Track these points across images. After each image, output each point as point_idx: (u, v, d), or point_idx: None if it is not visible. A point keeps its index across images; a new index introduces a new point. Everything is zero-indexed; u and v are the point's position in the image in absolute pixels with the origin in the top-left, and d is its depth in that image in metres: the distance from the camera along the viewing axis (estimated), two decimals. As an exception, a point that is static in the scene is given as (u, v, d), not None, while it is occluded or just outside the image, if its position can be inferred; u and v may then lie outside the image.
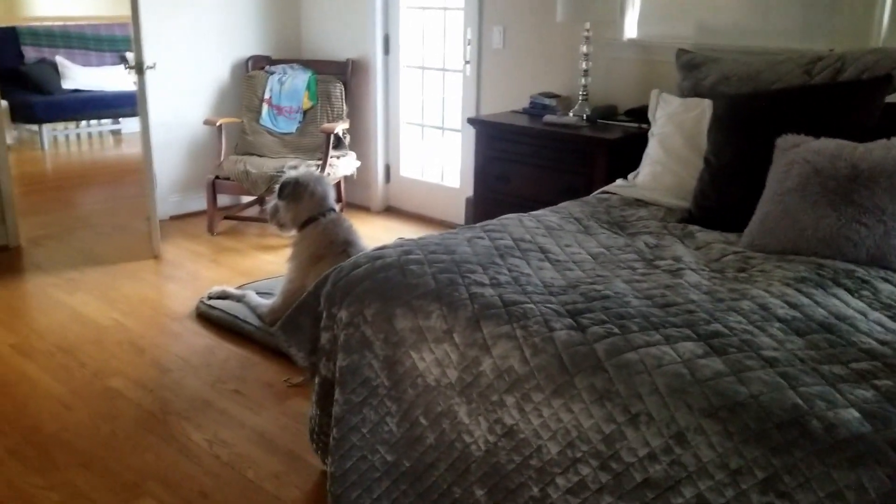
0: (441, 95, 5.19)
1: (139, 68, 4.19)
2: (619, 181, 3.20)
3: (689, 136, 3.03)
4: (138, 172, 6.62)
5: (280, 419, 2.77)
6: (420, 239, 2.39)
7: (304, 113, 5.22)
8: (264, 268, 4.33)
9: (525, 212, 3.90)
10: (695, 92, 3.24)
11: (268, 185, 4.67)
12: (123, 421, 2.74)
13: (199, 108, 5.25)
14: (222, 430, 2.69)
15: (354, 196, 5.54)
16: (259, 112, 5.24)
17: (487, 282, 2.05)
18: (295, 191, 3.42)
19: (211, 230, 4.91)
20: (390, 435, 2.05)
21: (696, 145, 2.98)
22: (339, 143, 5.06)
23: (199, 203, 5.32)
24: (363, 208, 5.52)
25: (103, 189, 6.25)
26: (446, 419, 1.92)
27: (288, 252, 3.53)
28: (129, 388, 2.97)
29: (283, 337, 2.41)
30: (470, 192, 4.83)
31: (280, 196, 3.43)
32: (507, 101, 4.52)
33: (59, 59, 7.91)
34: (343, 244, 3.37)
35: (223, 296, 3.74)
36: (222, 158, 4.93)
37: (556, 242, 2.44)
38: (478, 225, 2.61)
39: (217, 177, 4.84)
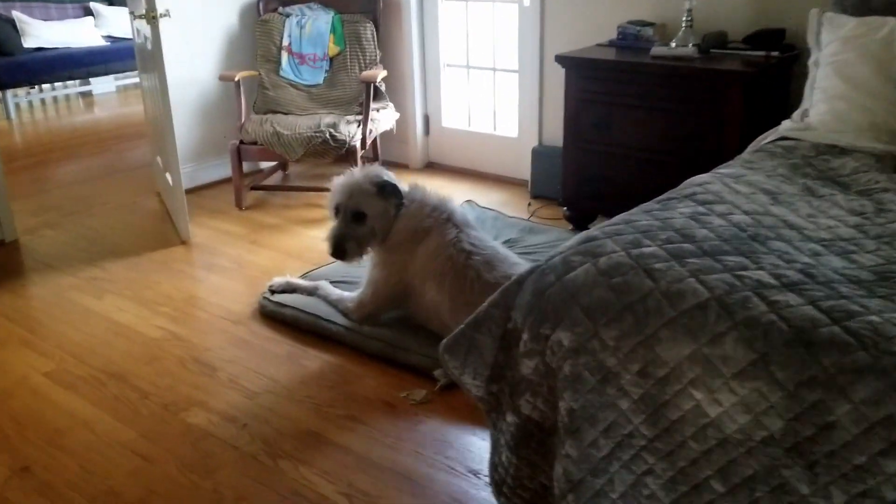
0: (490, 31, 4.51)
1: (150, 17, 3.45)
2: (786, 123, 2.63)
3: (880, 62, 2.46)
4: (130, 140, 5.86)
5: (425, 454, 2.19)
6: (625, 221, 1.80)
7: (331, 60, 4.51)
8: (317, 247, 3.69)
9: (636, 165, 3.39)
10: (867, 8, 2.65)
11: (305, 147, 4.00)
12: (224, 473, 2.14)
13: (207, 61, 4.50)
14: (356, 476, 2.11)
15: (390, 153, 4.87)
16: (278, 62, 4.51)
17: (775, 282, 1.48)
18: (394, 187, 2.79)
19: (239, 204, 4.23)
20: (653, 502, 1.49)
21: (891, 74, 2.42)
22: (377, 93, 4.37)
23: (215, 172, 4.63)
24: (401, 166, 4.87)
25: (91, 162, 5.47)
26: (763, 486, 1.36)
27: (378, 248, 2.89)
28: (215, 423, 2.36)
29: (450, 361, 1.82)
30: (534, 141, 4.24)
31: (392, 195, 2.77)
32: (582, 35, 3.87)
33: (17, 15, 6.97)
34: (443, 210, 2.76)
35: (289, 289, 3.11)
36: (243, 119, 4.22)
37: (794, 212, 1.87)
38: (673, 194, 2.01)
39: (242, 141, 4.14)
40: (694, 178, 2.15)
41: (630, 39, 3.53)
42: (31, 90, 7.35)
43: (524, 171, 4.39)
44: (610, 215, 3.73)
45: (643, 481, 1.50)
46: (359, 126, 4.15)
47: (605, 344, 1.52)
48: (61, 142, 6.05)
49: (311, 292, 3.06)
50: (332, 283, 3.12)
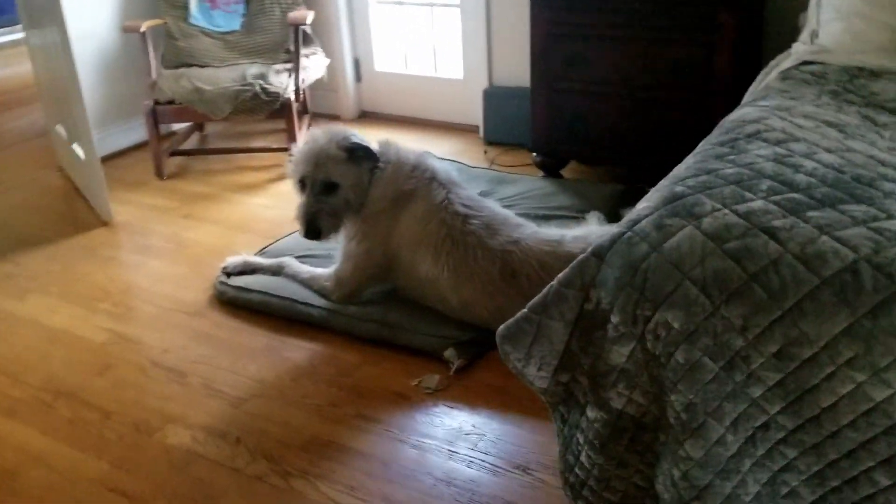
0: (424, -38, 4.12)
1: (40, -41, 2.88)
2: (798, 45, 2.42)
3: (897, -27, 2.27)
4: (11, 108, 5.14)
5: (459, 452, 1.92)
6: (703, 170, 1.54)
7: (247, 3, 4.01)
8: (262, 216, 3.29)
9: (616, 103, 3.02)
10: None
11: (233, 103, 3.54)
12: (229, 503, 1.80)
13: (105, 11, 3.91)
14: (388, 488, 1.81)
15: (319, 104, 4.44)
16: (186, 7, 3.97)
17: (919, 235, 1.26)
18: (368, 150, 2.41)
19: (159, 173, 3.74)
20: (795, 501, 1.27)
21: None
22: (305, 37, 3.92)
23: (124, 139, 4.10)
24: (332, 117, 4.45)
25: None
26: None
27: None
28: (201, 441, 1.99)
29: (512, 353, 1.54)
30: (484, 83, 3.92)
31: (366, 159, 2.40)
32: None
33: None
34: (424, 168, 2.43)
35: (247, 269, 2.72)
36: (154, 76, 3.69)
37: (873, 146, 1.66)
38: (733, 134, 1.76)
39: (157, 101, 3.63)
40: (739, 113, 1.90)
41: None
42: None
43: (474, 115, 4.07)
44: (586, 161, 3.54)
45: (781, 479, 1.27)
46: (290, 75, 3.71)
47: (729, 324, 1.27)
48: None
49: (275, 271, 2.68)
50: (297, 258, 2.74)
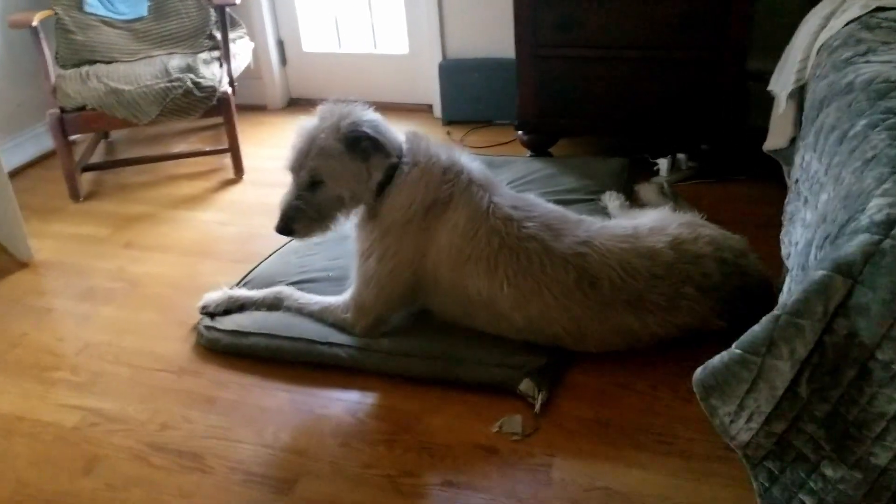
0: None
1: None
2: (851, -8, 2.18)
3: None
4: None
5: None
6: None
7: (152, -17, 3.40)
8: (222, 234, 2.79)
9: (616, 69, 2.66)
10: None
11: (160, 104, 3.00)
12: None
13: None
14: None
15: (241, 94, 3.87)
16: (78, -7, 3.32)
17: None
18: (374, 140, 1.95)
19: (75, 194, 3.12)
20: None
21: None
22: (231, 20, 3.37)
23: (15, 156, 3.42)
24: (257, 108, 3.93)
25: None
26: None
27: (355, 218, 2.09)
28: (260, 549, 1.55)
29: (720, 406, 1.21)
30: (437, 56, 3.53)
31: (373, 151, 1.94)
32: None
33: None
34: (458, 167, 2.03)
35: (234, 306, 2.24)
36: (53, 78, 3.06)
37: None
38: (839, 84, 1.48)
39: (63, 109, 3.00)
40: (870, 74, 1.62)
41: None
42: None
43: (425, 93, 3.67)
44: (580, 134, 3.19)
45: None
46: (221, 65, 3.17)
47: None
48: None
49: (273, 305, 2.22)
50: (292, 285, 2.29)
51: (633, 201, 2.60)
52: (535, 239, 1.93)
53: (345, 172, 1.96)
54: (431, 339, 2.02)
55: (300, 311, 2.18)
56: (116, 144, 3.65)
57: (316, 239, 2.11)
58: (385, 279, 2.04)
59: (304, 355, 2.06)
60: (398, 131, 2.05)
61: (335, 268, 2.37)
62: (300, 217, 1.97)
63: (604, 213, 2.51)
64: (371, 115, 2.00)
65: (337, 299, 2.14)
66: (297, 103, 4.00)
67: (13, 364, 2.16)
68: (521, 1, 2.74)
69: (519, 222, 1.95)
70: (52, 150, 3.46)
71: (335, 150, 1.94)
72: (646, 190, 2.64)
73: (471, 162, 2.06)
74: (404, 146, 2.03)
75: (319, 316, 2.14)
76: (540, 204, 2.05)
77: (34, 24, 2.96)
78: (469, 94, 3.47)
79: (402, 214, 2.00)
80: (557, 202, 2.32)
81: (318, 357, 2.05)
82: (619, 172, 2.78)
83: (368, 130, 1.96)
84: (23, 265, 2.66)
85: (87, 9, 3.31)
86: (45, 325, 2.33)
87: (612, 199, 2.58)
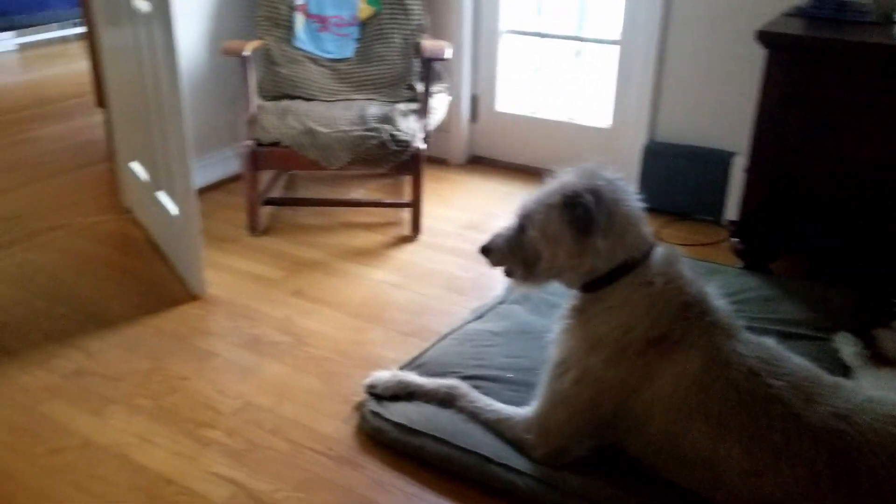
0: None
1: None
2: None
3: None
4: (49, 121, 4.45)
5: None
6: None
7: (363, 25, 3.34)
8: (394, 299, 2.62)
9: (865, 189, 2.32)
10: None
11: (353, 151, 2.88)
12: None
13: (190, 22, 3.24)
14: None
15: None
16: (290, 27, 3.30)
17: None
18: (590, 215, 1.71)
19: (253, 226, 3.06)
20: None
21: None
22: (436, 74, 3.25)
23: (200, 177, 3.40)
24: (437, 161, 3.78)
25: (11, 152, 4.04)
26: None
27: (563, 321, 1.84)
28: None
29: None
30: (642, 136, 3.26)
31: (595, 230, 1.70)
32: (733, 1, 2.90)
33: None
34: (702, 304, 1.74)
35: (403, 392, 2.04)
36: (253, 110, 3.02)
37: None
38: None
39: (259, 142, 2.95)
40: None
41: (829, 9, 2.58)
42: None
43: (619, 172, 3.40)
44: (806, 254, 2.83)
45: None
46: (418, 119, 3.04)
47: None
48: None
49: (444, 400, 2.00)
50: (464, 378, 2.06)
51: (872, 348, 2.21)
52: (780, 402, 1.60)
53: (549, 230, 1.74)
54: (627, 487, 1.74)
55: (474, 415, 1.94)
56: (297, 179, 3.60)
57: (521, 289, 2.00)
58: (579, 406, 1.77)
59: (476, 473, 1.82)
60: (650, 234, 1.79)
61: (516, 367, 2.13)
62: (502, 246, 1.82)
63: (834, 358, 2.15)
64: (618, 195, 1.74)
65: (518, 412, 1.90)
66: (478, 161, 3.84)
67: (170, 412, 2.05)
68: (770, 96, 2.44)
69: (763, 378, 1.63)
70: (235, 175, 3.47)
71: (551, 204, 1.74)
72: (889, 338, 2.25)
73: (716, 300, 1.77)
74: (653, 254, 1.77)
75: (495, 427, 1.90)
76: (788, 358, 1.71)
77: (245, 53, 2.93)
78: (672, 183, 3.18)
79: (617, 335, 1.73)
80: (777, 335, 1.97)
81: (490, 479, 1.80)
82: (854, 309, 2.40)
83: (588, 201, 1.71)
84: (194, 297, 2.59)
85: (297, 44, 3.29)
86: (207, 373, 2.22)
87: (846, 343, 2.21)
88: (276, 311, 2.52)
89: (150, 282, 2.70)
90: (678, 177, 3.17)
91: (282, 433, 1.98)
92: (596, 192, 1.71)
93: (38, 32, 6.19)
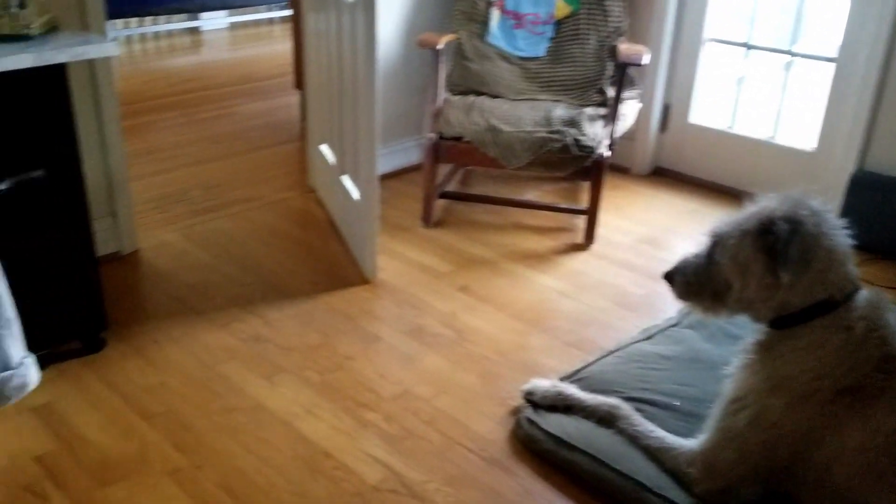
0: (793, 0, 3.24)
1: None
2: None
3: None
4: (250, 97, 4.75)
5: None
6: None
7: (558, 24, 3.29)
8: (560, 307, 2.56)
9: None
10: None
11: (534, 152, 2.85)
12: None
13: (386, 13, 3.32)
14: None
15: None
16: (486, 23, 3.32)
17: None
18: (783, 246, 1.58)
19: (427, 218, 3.11)
20: None
21: None
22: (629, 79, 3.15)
23: (385, 165, 3.49)
24: (619, 169, 3.66)
25: (208, 126, 4.33)
26: None
27: (744, 356, 1.72)
28: None
29: None
30: (849, 164, 2.99)
31: (785, 262, 1.58)
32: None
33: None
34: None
35: (561, 403, 1.99)
36: (440, 103, 3.05)
37: None
38: None
39: (441, 136, 2.99)
40: None
41: None
42: (133, 23, 6.29)
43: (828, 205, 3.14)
44: None
45: None
46: (605, 125, 2.96)
47: None
48: (166, 89, 4.95)
49: (604, 419, 1.93)
50: (626, 400, 1.98)
51: None
52: None
53: (740, 257, 1.63)
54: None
55: (634, 439, 1.86)
56: (472, 175, 3.62)
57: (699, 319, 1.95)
58: (750, 448, 1.65)
59: (630, 499, 1.74)
60: (855, 274, 1.64)
61: (684, 396, 2.02)
62: (688, 275, 1.73)
63: None
64: (822, 229, 1.59)
65: (682, 443, 1.80)
66: (663, 173, 3.69)
67: (334, 388, 2.12)
68: None
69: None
70: (415, 165, 3.54)
71: (746, 229, 1.62)
72: None
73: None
74: (857, 296, 1.62)
75: (655, 454, 1.81)
76: None
77: (439, 46, 2.98)
78: (881, 217, 2.90)
79: (805, 379, 1.59)
80: None
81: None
82: None
83: (782, 229, 1.57)
84: (365, 281, 2.66)
85: (490, 40, 3.30)
86: (371, 355, 2.27)
87: None
88: (442, 304, 2.55)
89: (326, 260, 2.81)
90: (889, 211, 2.89)
91: (437, 425, 1.99)
92: (796, 222, 1.58)
93: (247, 13, 6.63)
